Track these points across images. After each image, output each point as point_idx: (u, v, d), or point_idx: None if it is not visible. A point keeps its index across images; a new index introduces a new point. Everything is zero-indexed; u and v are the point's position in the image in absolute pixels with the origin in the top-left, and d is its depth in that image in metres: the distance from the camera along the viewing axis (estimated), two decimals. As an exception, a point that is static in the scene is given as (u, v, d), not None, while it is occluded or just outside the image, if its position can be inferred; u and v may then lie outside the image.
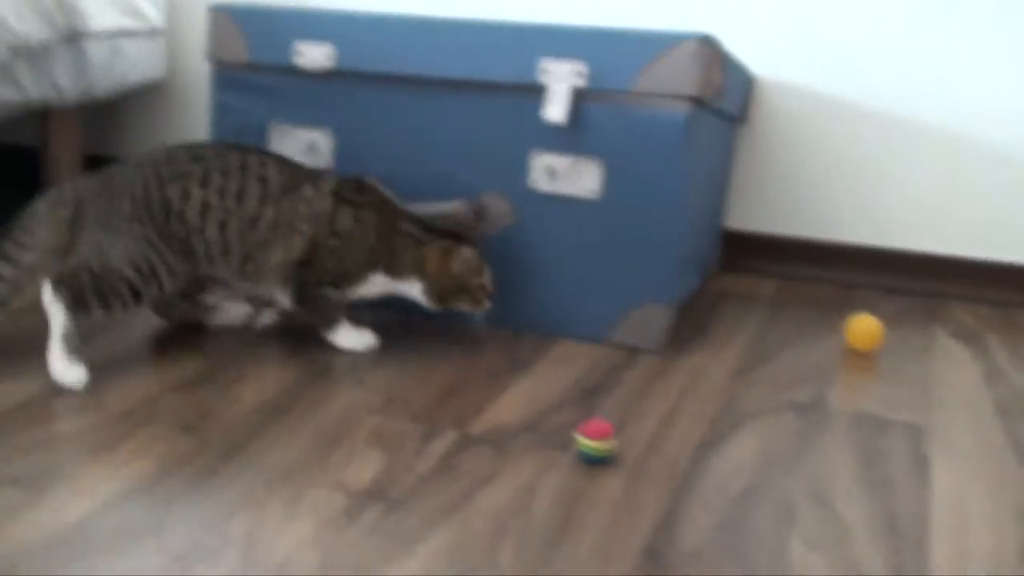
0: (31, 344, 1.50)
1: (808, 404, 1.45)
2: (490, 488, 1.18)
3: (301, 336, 1.60)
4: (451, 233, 1.56)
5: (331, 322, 1.56)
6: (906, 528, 1.14)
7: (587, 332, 1.65)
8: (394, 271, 1.54)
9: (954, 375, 1.58)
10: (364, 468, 1.21)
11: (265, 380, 1.44)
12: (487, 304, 1.57)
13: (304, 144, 1.74)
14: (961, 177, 1.94)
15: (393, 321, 1.68)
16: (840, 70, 1.96)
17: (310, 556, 1.03)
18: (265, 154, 1.51)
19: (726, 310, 1.84)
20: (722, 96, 1.64)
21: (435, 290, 1.54)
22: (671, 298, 1.63)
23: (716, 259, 2.04)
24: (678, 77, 1.53)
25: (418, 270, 1.54)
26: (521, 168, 1.63)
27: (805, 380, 1.53)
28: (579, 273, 1.64)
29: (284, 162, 1.52)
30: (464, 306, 1.56)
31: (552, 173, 1.62)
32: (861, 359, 1.62)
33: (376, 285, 1.56)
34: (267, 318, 1.66)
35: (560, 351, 1.60)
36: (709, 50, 1.53)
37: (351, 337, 1.57)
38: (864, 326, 1.65)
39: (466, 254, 1.53)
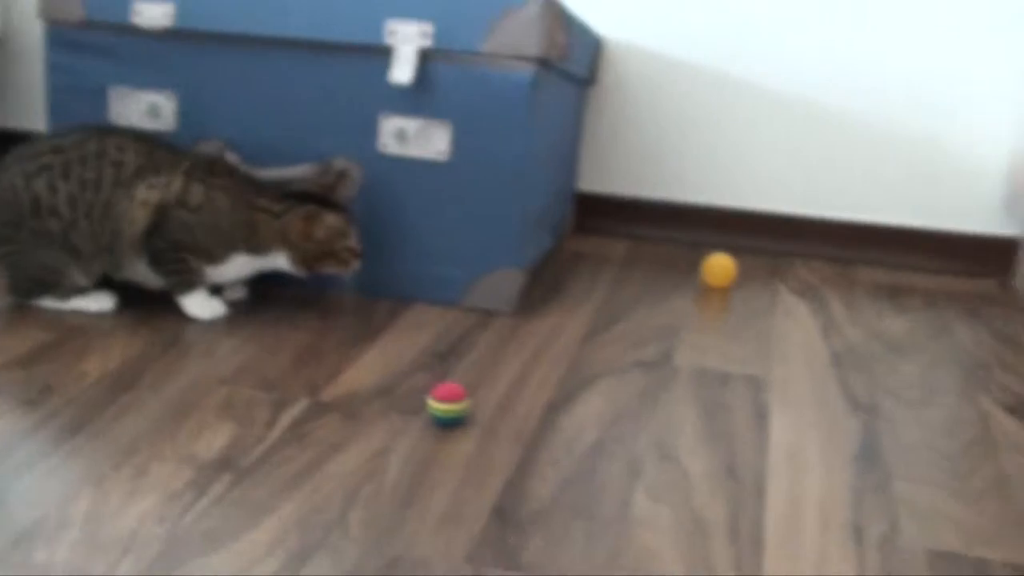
0: None
1: (655, 362, 1.49)
2: (341, 455, 1.18)
3: (150, 306, 1.56)
4: (313, 197, 1.54)
5: (184, 286, 1.53)
6: (745, 476, 1.19)
7: (441, 296, 1.65)
8: (256, 248, 1.52)
9: (794, 330, 1.65)
10: (213, 439, 1.19)
11: (111, 352, 1.40)
12: (356, 265, 1.56)
13: (146, 107, 1.68)
14: (803, 139, 2.01)
15: (246, 288, 1.66)
16: (687, 33, 2.00)
17: (156, 530, 1.01)
18: (128, 137, 1.50)
19: (578, 272, 1.87)
20: (568, 57, 1.66)
21: (301, 257, 1.53)
22: (523, 261, 1.65)
23: (569, 221, 2.07)
24: (522, 38, 1.54)
25: (281, 241, 1.52)
26: (371, 131, 1.62)
27: (653, 339, 1.58)
28: (431, 237, 1.64)
29: (145, 144, 1.51)
30: (332, 269, 1.55)
31: (402, 136, 1.61)
32: (711, 308, 1.67)
33: (241, 265, 1.54)
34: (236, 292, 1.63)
35: (414, 316, 1.61)
36: (552, 11, 1.54)
37: (201, 304, 1.54)
38: (718, 263, 1.76)
39: (329, 219, 1.52)
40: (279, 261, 1.54)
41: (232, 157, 1.64)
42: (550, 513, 1.09)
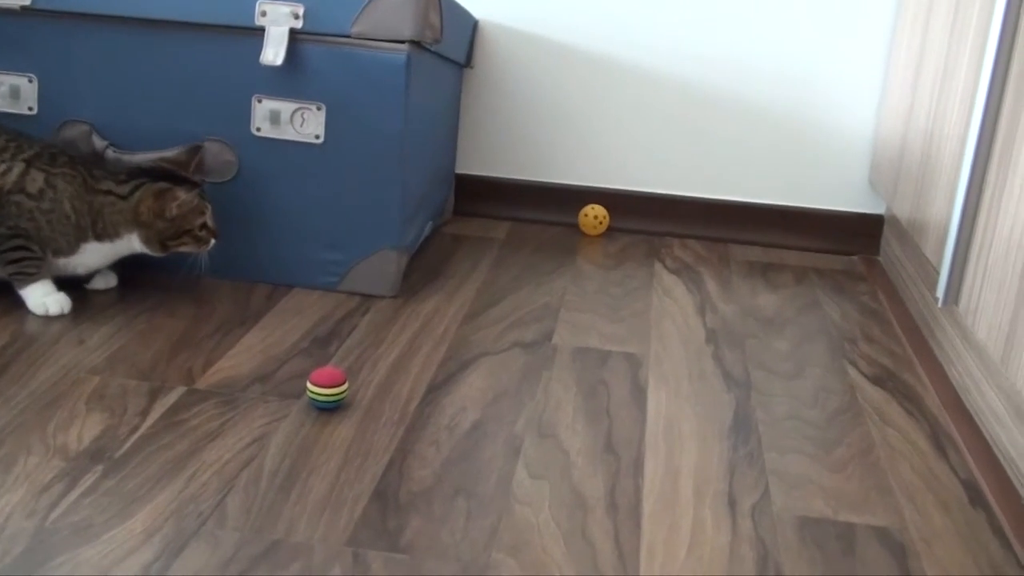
0: None
1: (535, 342, 1.50)
2: (219, 442, 1.16)
3: (14, 297, 1.51)
4: (164, 175, 1.50)
5: (24, 277, 1.47)
6: (623, 451, 1.21)
7: (320, 280, 1.64)
8: (106, 235, 1.49)
9: (671, 308, 1.68)
10: (84, 430, 1.16)
11: (-29, 344, 1.35)
12: (211, 243, 1.53)
13: (6, 90, 1.62)
14: (676, 120, 2.04)
15: (116, 275, 1.61)
16: (561, 15, 2.02)
17: (24, 524, 0.98)
18: None
19: (459, 254, 1.87)
20: (441, 38, 1.66)
21: (154, 237, 1.49)
22: (403, 244, 1.64)
23: (449, 204, 2.07)
24: (395, 19, 1.53)
25: (132, 223, 1.48)
26: (244, 114, 1.59)
27: (533, 319, 1.59)
28: (308, 221, 1.62)
29: None
30: (188, 248, 1.52)
31: (275, 119, 1.59)
32: (590, 288, 1.69)
33: (94, 254, 1.50)
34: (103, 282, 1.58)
35: (293, 301, 1.59)
36: (430, -5, 1.54)
37: (42, 298, 1.47)
38: (592, 213, 1.99)
39: (181, 196, 1.48)
40: (134, 244, 1.50)
41: (99, 141, 1.60)
42: (431, 494, 1.09)
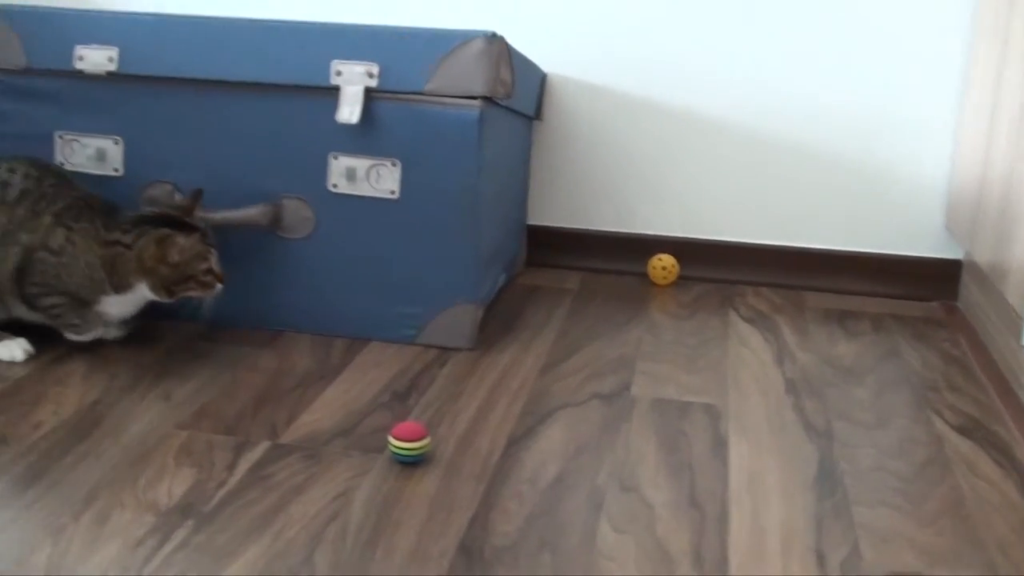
0: None
1: (613, 393, 1.50)
2: (304, 496, 1.17)
3: (106, 352, 1.55)
4: (168, 221, 1.52)
5: (71, 328, 1.53)
6: (707, 504, 1.20)
7: (397, 334, 1.65)
8: (120, 287, 1.52)
9: (748, 358, 1.67)
10: (174, 485, 1.18)
11: (65, 400, 1.38)
12: (217, 288, 1.54)
13: (93, 152, 1.67)
14: (747, 167, 2.04)
15: (196, 331, 1.64)
16: (629, 67, 2.03)
17: (118, 581, 1.00)
18: (23, 162, 1.52)
19: (533, 305, 1.88)
20: (512, 93, 1.68)
21: (160, 283, 1.51)
22: (478, 296, 1.65)
23: (521, 255, 2.08)
24: (467, 75, 1.55)
25: (138, 271, 1.51)
26: (320, 171, 1.62)
27: (610, 370, 1.59)
28: (385, 275, 1.64)
29: (38, 170, 1.52)
30: (195, 293, 1.54)
31: (351, 175, 1.61)
32: (666, 338, 1.69)
33: (115, 305, 1.54)
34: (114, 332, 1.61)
35: (371, 354, 1.60)
36: (496, 47, 1.56)
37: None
38: (659, 264, 2.00)
39: (182, 241, 1.50)
40: (144, 292, 1.53)
41: (181, 200, 1.64)
42: (516, 548, 1.09)
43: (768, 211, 2.05)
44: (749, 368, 1.62)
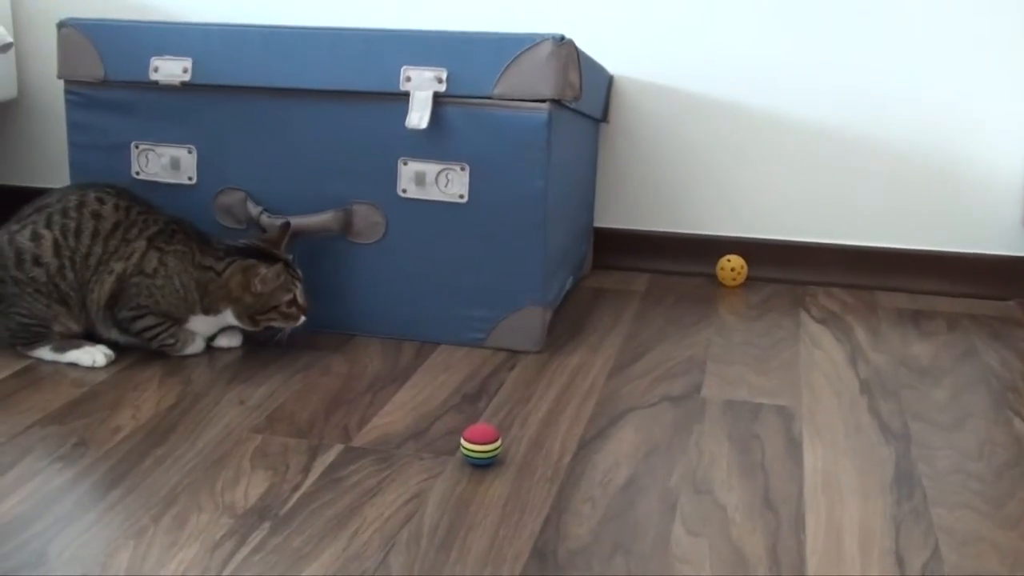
0: None
1: (684, 395, 1.49)
2: (378, 499, 1.18)
3: (179, 358, 1.57)
4: (257, 252, 1.56)
5: (167, 347, 1.57)
6: (782, 507, 1.18)
7: (466, 336, 1.66)
8: (209, 308, 1.56)
9: (820, 359, 1.65)
10: (250, 488, 1.20)
11: (143, 405, 1.41)
12: (301, 319, 1.57)
13: (167, 161, 1.70)
14: (817, 166, 2.02)
15: (269, 335, 1.67)
16: (695, 66, 2.02)
17: (199, 581, 1.01)
18: (109, 192, 1.56)
19: (600, 307, 1.87)
20: (580, 96, 1.68)
21: (244, 312, 1.55)
22: (547, 299, 1.65)
23: (588, 258, 2.08)
24: (535, 79, 1.56)
25: (225, 298, 1.55)
26: (390, 176, 1.63)
27: (680, 372, 1.58)
28: (454, 278, 1.65)
29: (125, 199, 1.56)
30: (277, 323, 1.57)
31: (420, 180, 1.62)
32: (736, 339, 1.67)
33: (203, 323, 1.58)
34: (226, 340, 1.64)
35: (440, 357, 1.61)
36: (564, 50, 1.56)
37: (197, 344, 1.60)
38: (728, 265, 1.99)
39: (264, 272, 1.52)
40: (229, 318, 1.56)
41: (253, 207, 1.66)
42: (589, 551, 1.09)
43: (839, 210, 2.03)
44: (822, 369, 1.60)
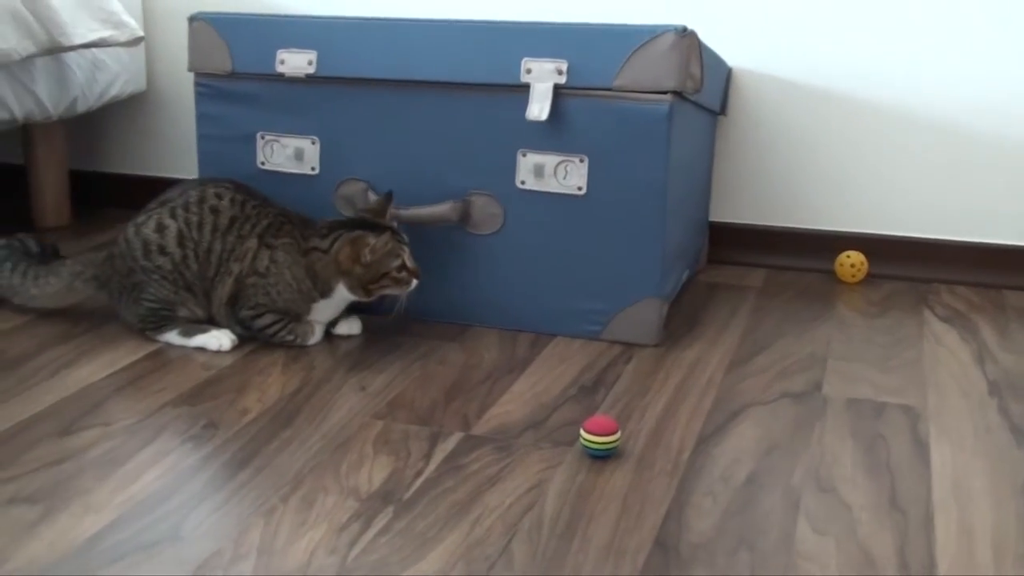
0: (27, 365, 1.51)
1: (804, 392, 1.47)
2: (499, 487, 1.19)
3: (299, 345, 1.61)
4: (361, 223, 1.58)
5: (289, 343, 1.60)
6: (910, 508, 1.16)
7: (582, 329, 1.66)
8: (325, 291, 1.58)
9: (945, 358, 1.61)
10: (374, 472, 1.22)
11: (268, 389, 1.45)
12: (413, 283, 1.58)
13: (292, 151, 1.74)
14: (940, 161, 1.96)
15: (387, 324, 1.69)
16: (815, 60, 1.98)
17: (327, 561, 1.04)
18: (226, 187, 1.61)
19: (717, 302, 1.86)
20: (701, 88, 1.66)
21: (356, 283, 1.56)
22: (664, 292, 1.64)
23: (704, 252, 2.06)
24: (657, 70, 1.55)
25: (336, 273, 1.56)
26: (509, 168, 1.64)
27: (799, 369, 1.55)
28: (571, 270, 1.65)
29: (240, 194, 1.60)
30: (391, 290, 1.58)
31: (539, 172, 1.63)
32: (857, 336, 1.64)
33: (324, 310, 1.61)
34: (347, 328, 1.67)
35: (557, 349, 1.62)
36: (687, 42, 1.55)
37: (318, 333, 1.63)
38: (848, 261, 1.96)
39: (373, 241, 1.54)
40: (344, 293, 1.57)
41: (373, 197, 1.68)
42: (712, 546, 1.08)
43: (963, 206, 1.97)
44: (947, 369, 1.56)
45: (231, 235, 1.58)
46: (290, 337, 1.59)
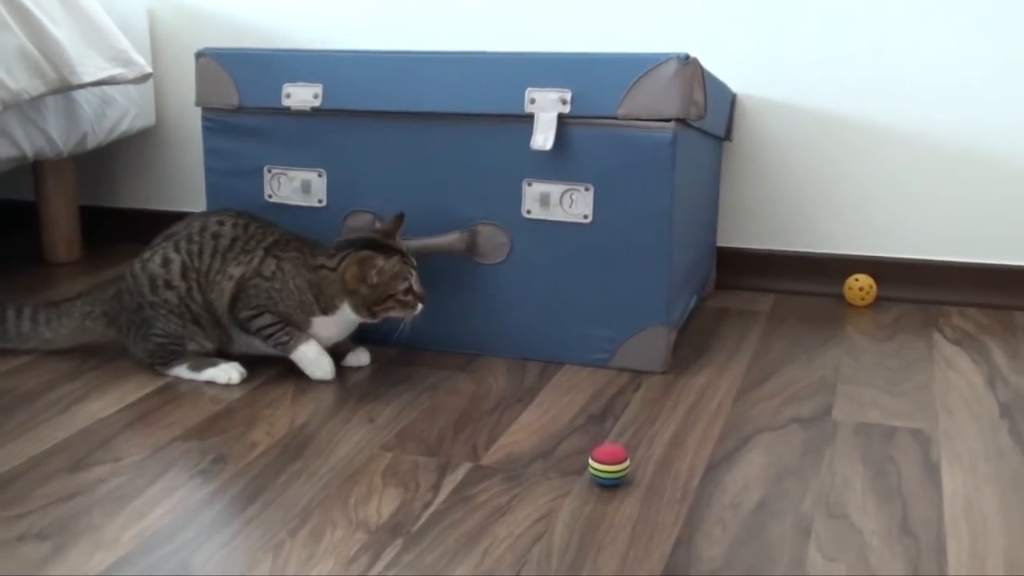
0: (37, 401, 1.52)
1: (814, 417, 1.46)
2: (508, 518, 1.19)
3: (306, 378, 1.61)
4: (370, 244, 1.57)
5: (281, 345, 1.59)
6: (921, 533, 1.15)
7: (590, 357, 1.66)
8: (328, 308, 1.58)
9: (956, 380, 1.60)
10: (382, 504, 1.22)
11: (277, 422, 1.45)
12: (419, 307, 1.58)
13: (298, 184, 1.75)
14: (949, 182, 1.96)
15: (395, 355, 1.69)
16: (818, 84, 1.99)
17: (336, 595, 1.03)
18: (229, 214, 1.63)
19: (725, 328, 1.85)
20: (705, 114, 1.67)
21: (361, 303, 1.56)
22: (671, 319, 1.64)
23: (712, 277, 2.06)
24: (661, 98, 1.55)
25: (342, 292, 1.56)
26: (515, 197, 1.65)
27: (809, 394, 1.55)
28: (578, 298, 1.65)
29: (243, 219, 1.62)
30: (396, 313, 1.57)
31: (545, 201, 1.63)
32: (866, 360, 1.64)
33: (325, 327, 1.60)
34: (355, 359, 1.67)
35: (565, 377, 1.62)
36: (689, 69, 1.55)
37: (312, 362, 1.60)
38: (856, 284, 1.96)
39: (380, 263, 1.54)
40: (348, 313, 1.57)
41: (383, 224, 1.69)
42: (723, 574, 1.08)
43: (971, 227, 1.97)
44: (958, 392, 1.55)
45: (232, 251, 1.59)
46: (285, 338, 1.58)
